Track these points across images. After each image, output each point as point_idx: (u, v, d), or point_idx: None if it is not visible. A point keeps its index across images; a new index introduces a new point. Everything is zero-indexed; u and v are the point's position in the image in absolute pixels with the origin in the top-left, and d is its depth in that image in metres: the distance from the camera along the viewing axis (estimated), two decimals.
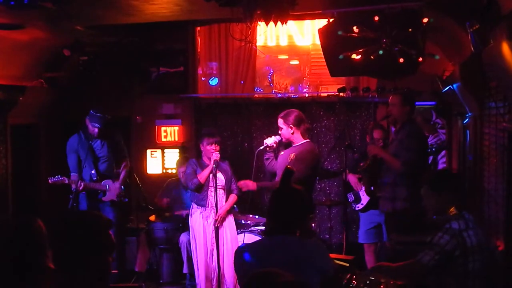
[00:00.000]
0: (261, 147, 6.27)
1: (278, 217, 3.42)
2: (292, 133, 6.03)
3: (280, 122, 6.08)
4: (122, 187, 7.21)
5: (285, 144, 6.20)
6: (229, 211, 6.66)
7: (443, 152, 7.77)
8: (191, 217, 6.70)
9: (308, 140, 6.20)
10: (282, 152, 6.19)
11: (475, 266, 3.88)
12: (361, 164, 6.47)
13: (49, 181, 6.85)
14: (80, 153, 7.05)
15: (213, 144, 6.51)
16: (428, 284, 4.10)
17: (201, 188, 6.54)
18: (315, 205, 7.62)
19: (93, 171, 7.05)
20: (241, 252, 3.42)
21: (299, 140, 6.06)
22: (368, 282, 3.93)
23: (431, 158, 7.60)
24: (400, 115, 6.04)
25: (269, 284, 2.42)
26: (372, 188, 6.69)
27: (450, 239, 3.85)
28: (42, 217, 2.74)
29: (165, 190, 7.99)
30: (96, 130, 7.00)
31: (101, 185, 7.08)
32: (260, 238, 6.98)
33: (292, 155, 5.95)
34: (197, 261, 6.60)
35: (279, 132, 6.11)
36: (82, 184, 6.90)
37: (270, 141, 6.19)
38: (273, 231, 3.42)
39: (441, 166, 7.72)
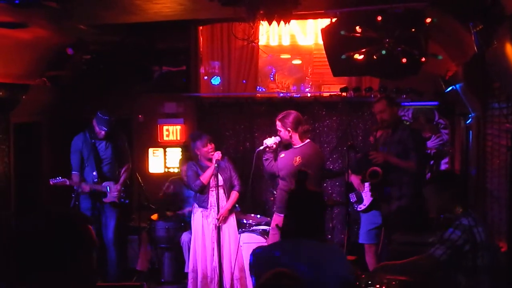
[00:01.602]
0: (261, 147, 6.31)
1: (295, 220, 3.40)
2: (290, 136, 6.11)
3: (278, 124, 6.17)
4: (122, 189, 7.22)
5: (285, 145, 6.24)
6: (231, 210, 6.66)
7: None
8: (192, 216, 6.72)
9: (308, 140, 6.23)
10: (283, 154, 6.23)
11: (484, 262, 3.96)
12: (368, 173, 6.38)
13: (50, 182, 6.85)
14: (83, 152, 7.06)
15: (208, 144, 6.52)
16: (431, 281, 4.13)
17: (204, 189, 6.55)
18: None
19: (94, 173, 7.06)
20: (255, 254, 3.39)
21: (298, 142, 6.14)
22: (369, 282, 3.92)
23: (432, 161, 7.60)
24: (392, 117, 6.17)
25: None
26: (377, 194, 6.60)
27: (461, 235, 3.93)
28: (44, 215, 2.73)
29: (168, 189, 8.00)
30: (103, 132, 7.02)
31: (102, 186, 7.09)
32: (261, 237, 7.00)
33: (298, 158, 6.00)
34: (194, 261, 6.60)
35: (278, 134, 6.18)
36: (87, 186, 6.92)
37: (270, 141, 6.22)
38: (290, 233, 3.40)
39: (443, 167, 7.70)
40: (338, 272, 3.22)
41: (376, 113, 6.32)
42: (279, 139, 6.21)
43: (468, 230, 3.94)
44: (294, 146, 6.16)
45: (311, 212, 3.39)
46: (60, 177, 6.86)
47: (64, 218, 2.54)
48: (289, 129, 6.09)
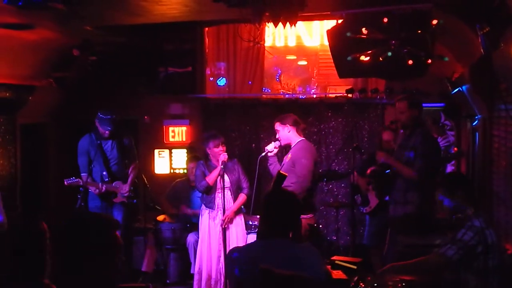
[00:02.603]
0: (263, 154, 6.47)
1: (270, 220, 3.44)
2: (289, 132, 6.28)
3: (277, 125, 6.35)
4: (131, 188, 7.23)
5: (287, 149, 6.43)
6: (238, 212, 6.66)
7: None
8: (200, 218, 6.73)
9: (303, 138, 6.39)
10: (285, 157, 6.40)
11: (494, 263, 3.98)
12: (368, 172, 6.44)
13: (65, 182, 6.83)
14: (90, 153, 7.05)
15: (220, 146, 6.53)
16: (440, 281, 4.14)
17: (210, 190, 6.55)
18: (318, 206, 7.65)
19: (104, 172, 7.05)
20: (231, 255, 3.43)
21: (295, 139, 6.30)
22: (375, 285, 3.92)
23: None
24: (409, 120, 5.89)
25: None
26: (387, 198, 6.59)
27: (474, 236, 3.96)
28: (50, 216, 2.76)
29: (172, 191, 8.00)
30: (108, 132, 7.01)
31: (112, 186, 7.09)
32: None
33: (289, 156, 6.22)
34: (200, 262, 6.60)
35: (277, 136, 6.35)
36: (104, 186, 6.92)
37: (271, 147, 6.39)
38: (266, 234, 3.44)
39: (449, 168, 7.67)
40: (312, 271, 3.23)
41: (396, 111, 6.15)
42: (279, 144, 6.37)
43: (480, 232, 3.96)
44: (291, 146, 6.34)
45: (283, 212, 3.42)
46: (74, 178, 6.85)
47: (93, 223, 2.56)
48: (287, 125, 6.27)
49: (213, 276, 6.55)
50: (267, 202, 3.55)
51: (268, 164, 6.52)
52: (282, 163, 6.39)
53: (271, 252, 3.30)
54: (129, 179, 7.25)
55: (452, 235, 4.06)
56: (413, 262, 4.15)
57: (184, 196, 7.85)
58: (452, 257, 3.96)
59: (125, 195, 7.14)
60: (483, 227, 3.98)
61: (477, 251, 3.95)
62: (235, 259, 3.38)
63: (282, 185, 6.11)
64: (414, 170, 5.67)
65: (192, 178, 7.40)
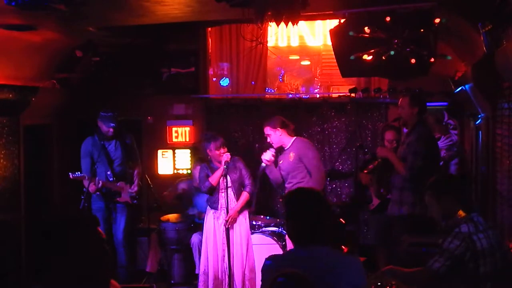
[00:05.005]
0: (263, 164, 6.53)
1: (308, 226, 3.19)
2: (280, 135, 6.45)
3: (267, 129, 6.49)
4: (136, 188, 7.24)
5: (280, 151, 6.57)
6: (242, 211, 6.66)
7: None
8: (205, 218, 6.73)
9: (296, 137, 6.57)
10: (282, 161, 6.53)
11: (487, 269, 3.84)
12: (370, 166, 6.49)
13: (70, 176, 6.84)
14: (93, 154, 7.07)
15: (221, 147, 6.54)
16: None
17: (213, 191, 6.56)
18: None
19: (108, 172, 7.08)
20: (269, 266, 3.25)
21: (288, 140, 6.48)
22: (379, 284, 3.92)
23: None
24: (409, 117, 6.00)
25: None
26: (382, 190, 6.70)
27: (460, 244, 3.82)
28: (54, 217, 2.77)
29: (175, 189, 8.01)
30: (112, 130, 7.02)
31: (117, 186, 7.11)
32: (270, 239, 7.01)
33: (292, 154, 6.35)
34: (205, 263, 6.61)
35: (268, 140, 6.50)
36: (100, 182, 6.92)
37: (268, 155, 6.50)
38: (304, 240, 3.20)
39: (453, 168, 7.66)
40: (351, 282, 3.05)
41: (399, 106, 6.18)
42: (274, 150, 6.51)
43: (467, 238, 3.81)
44: (286, 148, 6.49)
45: (314, 214, 3.18)
46: (79, 173, 6.87)
47: (73, 220, 2.58)
48: (278, 128, 6.42)
49: (219, 276, 6.55)
50: (290, 203, 3.33)
51: (267, 172, 6.62)
52: (279, 165, 6.55)
53: (310, 260, 3.09)
54: (135, 180, 7.28)
55: (440, 243, 3.92)
56: (408, 272, 4.07)
57: (186, 196, 7.86)
58: (439, 270, 3.83)
59: (133, 194, 7.17)
60: (471, 232, 3.82)
61: (465, 259, 3.81)
62: (271, 267, 3.17)
63: (295, 183, 6.22)
64: (405, 167, 5.74)
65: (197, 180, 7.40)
